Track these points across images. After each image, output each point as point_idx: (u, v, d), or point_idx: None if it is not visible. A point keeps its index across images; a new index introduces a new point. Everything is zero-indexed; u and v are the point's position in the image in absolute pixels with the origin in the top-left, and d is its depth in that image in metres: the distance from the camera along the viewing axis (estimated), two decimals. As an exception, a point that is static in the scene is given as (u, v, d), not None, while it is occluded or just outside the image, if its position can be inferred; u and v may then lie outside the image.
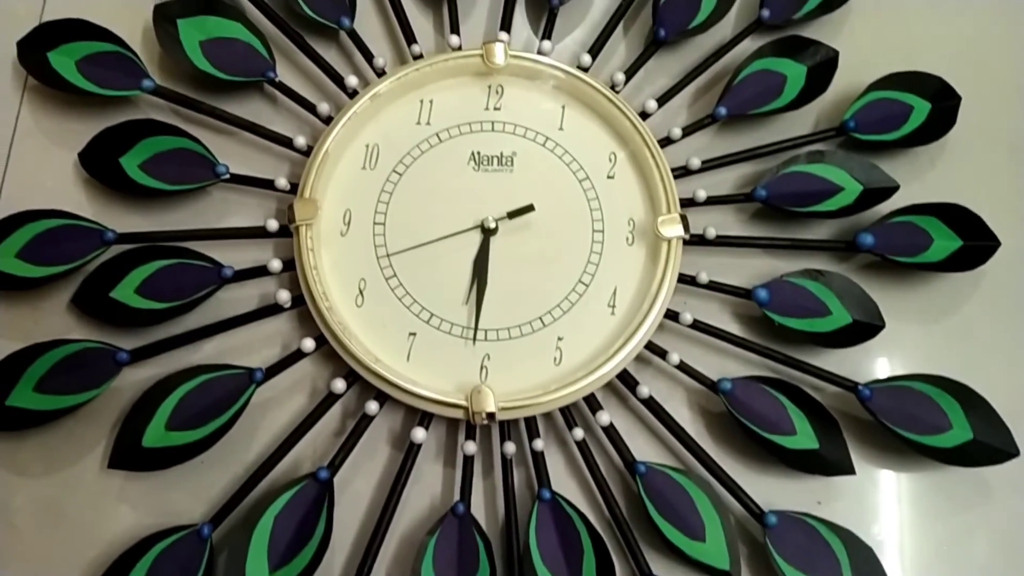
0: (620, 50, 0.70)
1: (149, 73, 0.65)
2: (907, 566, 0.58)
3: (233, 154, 0.64)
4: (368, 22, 0.69)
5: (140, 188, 0.62)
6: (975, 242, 0.62)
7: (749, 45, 0.68)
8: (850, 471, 0.57)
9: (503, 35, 0.66)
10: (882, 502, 0.59)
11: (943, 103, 0.66)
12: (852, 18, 0.70)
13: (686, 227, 0.60)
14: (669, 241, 0.60)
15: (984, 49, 0.71)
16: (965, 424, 0.58)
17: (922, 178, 0.66)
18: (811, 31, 0.69)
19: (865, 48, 0.69)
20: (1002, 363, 0.63)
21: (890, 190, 0.63)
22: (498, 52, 0.63)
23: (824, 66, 0.66)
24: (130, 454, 0.56)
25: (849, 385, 0.59)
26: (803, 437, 0.58)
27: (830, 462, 0.57)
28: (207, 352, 0.60)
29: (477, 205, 0.62)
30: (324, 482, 0.55)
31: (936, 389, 0.59)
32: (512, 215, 0.61)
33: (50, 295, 0.61)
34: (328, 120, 0.64)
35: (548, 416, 0.59)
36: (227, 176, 0.62)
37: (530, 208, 0.61)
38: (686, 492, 0.57)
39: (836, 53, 0.66)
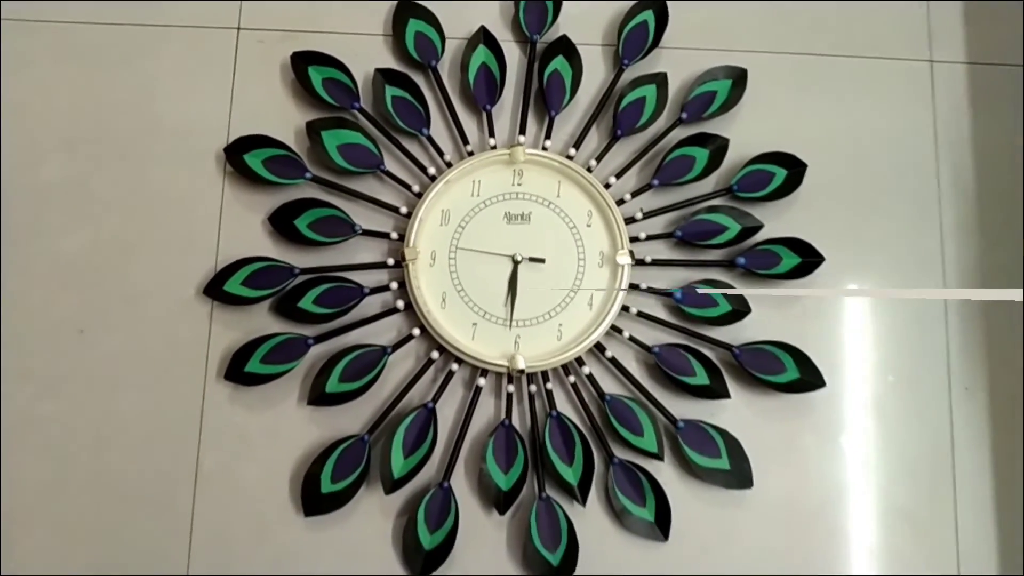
0: (594, 139, 1.10)
1: (308, 167, 1.06)
2: (756, 455, 1.00)
3: (362, 215, 1.06)
4: (437, 127, 1.10)
5: (308, 240, 1.03)
6: (808, 259, 1.05)
7: (674, 135, 1.08)
8: (727, 396, 1.00)
9: (520, 137, 1.07)
10: (747, 415, 1.02)
11: (794, 169, 1.07)
12: (743, 112, 1.10)
13: (633, 257, 1.03)
14: (622, 266, 1.02)
15: (831, 131, 1.11)
16: (795, 369, 1.01)
17: (780, 218, 1.07)
18: (715, 124, 1.09)
19: (750, 132, 1.09)
20: (820, 332, 1.05)
21: (757, 228, 1.05)
22: (519, 153, 1.05)
23: (720, 150, 1.07)
24: (319, 397, 0.99)
25: (727, 346, 1.02)
26: (700, 378, 1.01)
27: (716, 391, 1.00)
28: (356, 336, 1.03)
29: (509, 245, 1.04)
30: (431, 410, 0.99)
31: (778, 349, 1.02)
32: (532, 260, 1.03)
33: (260, 305, 1.03)
34: (419, 195, 1.05)
35: (554, 369, 1.03)
36: (361, 232, 1.04)
37: (543, 260, 1.03)
38: (633, 411, 1.00)
39: (727, 141, 1.07)
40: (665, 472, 1.00)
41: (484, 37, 1.10)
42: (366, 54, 1.11)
